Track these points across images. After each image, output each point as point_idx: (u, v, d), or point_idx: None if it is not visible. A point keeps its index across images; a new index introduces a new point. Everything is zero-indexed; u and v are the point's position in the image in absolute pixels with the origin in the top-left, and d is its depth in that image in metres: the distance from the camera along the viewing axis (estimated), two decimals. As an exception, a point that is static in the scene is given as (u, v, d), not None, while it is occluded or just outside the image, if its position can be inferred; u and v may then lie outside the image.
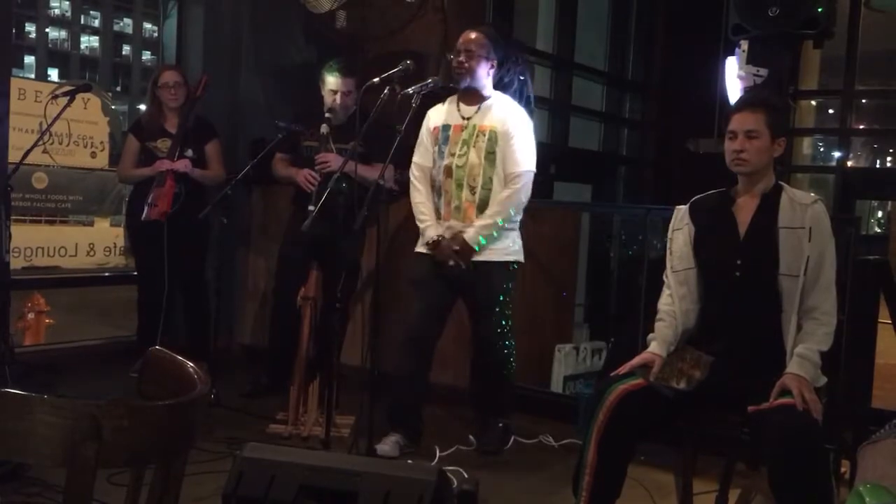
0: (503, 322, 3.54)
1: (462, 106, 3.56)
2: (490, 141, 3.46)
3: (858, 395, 3.39)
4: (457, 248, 3.43)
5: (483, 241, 3.44)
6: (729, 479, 2.68)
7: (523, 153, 3.49)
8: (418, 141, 3.63)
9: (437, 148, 3.57)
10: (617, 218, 6.12)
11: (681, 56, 5.98)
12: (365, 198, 3.30)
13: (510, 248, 3.52)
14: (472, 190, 3.47)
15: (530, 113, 3.66)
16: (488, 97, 3.54)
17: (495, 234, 3.46)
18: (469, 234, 3.43)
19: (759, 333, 2.47)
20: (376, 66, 3.63)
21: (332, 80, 4.13)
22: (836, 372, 2.99)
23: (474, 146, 3.48)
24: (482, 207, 3.47)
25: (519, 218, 3.57)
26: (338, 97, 4.12)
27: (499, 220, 3.45)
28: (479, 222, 3.44)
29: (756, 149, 2.48)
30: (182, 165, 4.34)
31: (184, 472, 1.36)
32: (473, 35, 3.51)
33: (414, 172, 3.62)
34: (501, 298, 3.52)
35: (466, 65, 3.45)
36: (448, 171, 3.51)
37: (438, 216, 3.55)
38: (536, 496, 3.24)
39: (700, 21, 5.21)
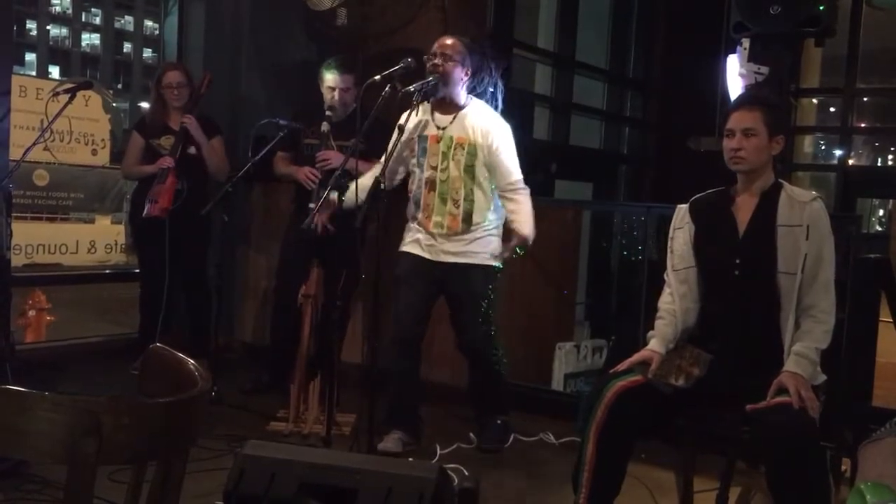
0: (485, 325, 3.53)
1: (437, 115, 3.52)
2: (469, 154, 3.45)
3: (859, 394, 3.40)
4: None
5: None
6: (729, 478, 2.68)
7: (513, 163, 3.51)
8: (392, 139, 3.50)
9: (415, 159, 3.56)
10: (618, 216, 6.12)
11: (682, 54, 5.98)
12: (365, 195, 3.29)
13: (490, 251, 3.52)
14: (456, 203, 3.47)
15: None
16: (463, 106, 3.50)
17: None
18: (527, 232, 3.47)
19: (758, 331, 2.47)
20: (377, 64, 3.62)
21: (329, 77, 4.12)
22: (836, 370, 2.99)
23: (453, 159, 3.46)
24: (467, 219, 3.47)
25: (501, 222, 3.58)
26: (336, 94, 4.10)
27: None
28: (525, 222, 3.48)
29: (753, 147, 2.48)
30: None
31: (184, 469, 1.36)
32: (450, 41, 3.48)
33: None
34: (482, 301, 3.51)
35: (441, 67, 3.42)
36: (431, 184, 3.50)
37: (419, 224, 3.55)
38: (537, 494, 3.25)
39: (701, 19, 5.21)
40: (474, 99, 3.55)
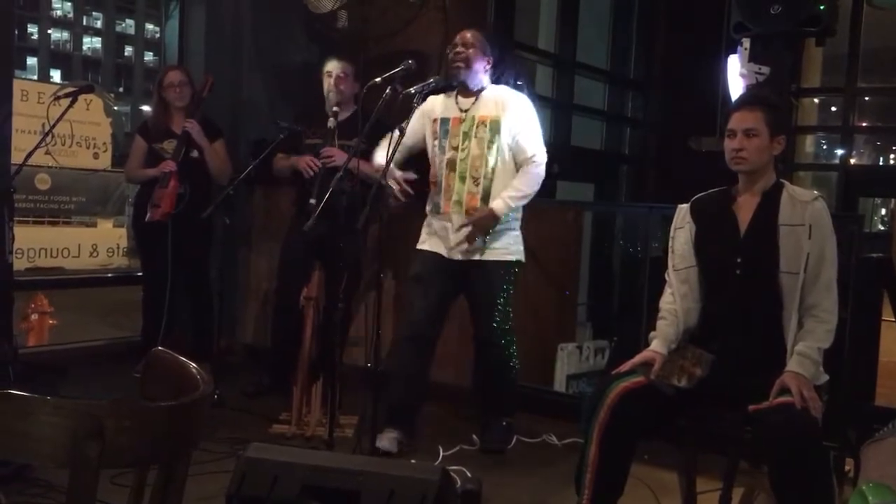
0: (504, 322, 3.53)
1: (460, 99, 3.55)
2: (491, 131, 3.46)
3: (862, 394, 3.39)
4: (479, 215, 3.41)
5: (511, 210, 3.44)
6: (732, 478, 2.68)
7: (535, 136, 3.51)
8: (411, 122, 3.46)
9: (437, 142, 3.56)
10: (619, 217, 6.11)
11: (683, 54, 5.97)
12: (367, 197, 3.30)
13: (511, 247, 3.52)
14: (476, 181, 3.47)
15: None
16: (485, 88, 3.54)
17: (515, 210, 3.46)
18: (497, 204, 3.41)
19: (760, 331, 2.47)
20: (378, 66, 3.63)
21: (329, 65, 4.16)
22: (839, 370, 2.99)
23: (475, 137, 3.47)
24: (486, 198, 3.46)
25: (520, 216, 3.58)
26: (332, 80, 4.12)
27: (527, 192, 3.45)
28: (508, 193, 3.42)
29: (755, 147, 2.48)
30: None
31: (187, 472, 1.36)
32: (470, 32, 3.53)
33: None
34: (502, 298, 3.51)
35: (464, 55, 3.46)
36: (451, 164, 3.51)
37: (437, 210, 3.55)
38: (540, 495, 3.24)
39: (702, 19, 5.21)
40: (495, 84, 3.57)
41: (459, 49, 3.48)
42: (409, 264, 3.75)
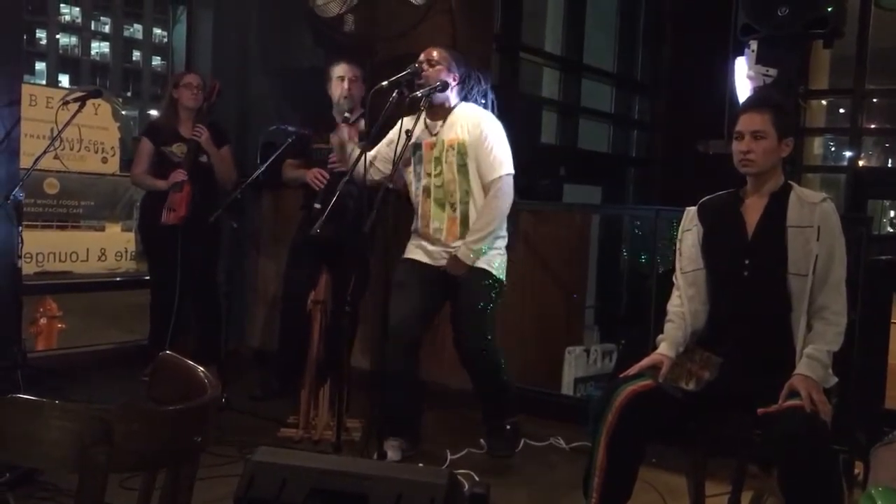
0: (482, 329, 3.45)
1: (429, 122, 3.50)
2: (460, 154, 3.41)
3: (871, 396, 3.38)
4: (450, 264, 3.41)
5: (480, 251, 3.40)
6: (741, 481, 2.67)
7: (497, 157, 3.43)
8: (388, 137, 3.50)
9: (412, 167, 3.53)
10: (627, 219, 6.11)
11: (690, 57, 5.97)
12: (374, 200, 3.29)
13: (493, 262, 3.45)
14: (453, 207, 3.44)
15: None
16: (452, 108, 3.48)
17: (486, 246, 3.41)
18: (461, 252, 3.39)
19: (769, 333, 2.46)
20: (385, 69, 3.63)
21: (338, 68, 4.12)
22: (848, 373, 2.98)
23: (446, 162, 3.43)
24: (465, 222, 3.43)
25: (504, 227, 3.52)
26: (345, 83, 4.09)
27: (488, 230, 3.40)
28: (469, 238, 3.39)
29: (763, 149, 2.48)
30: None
31: (195, 475, 1.36)
32: (434, 50, 3.48)
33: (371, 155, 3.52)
34: (481, 306, 3.44)
35: (429, 71, 3.41)
36: (426, 191, 3.47)
37: (419, 234, 3.52)
38: (547, 499, 3.24)
39: (709, 21, 5.19)
40: (464, 102, 3.52)
41: (424, 66, 3.42)
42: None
